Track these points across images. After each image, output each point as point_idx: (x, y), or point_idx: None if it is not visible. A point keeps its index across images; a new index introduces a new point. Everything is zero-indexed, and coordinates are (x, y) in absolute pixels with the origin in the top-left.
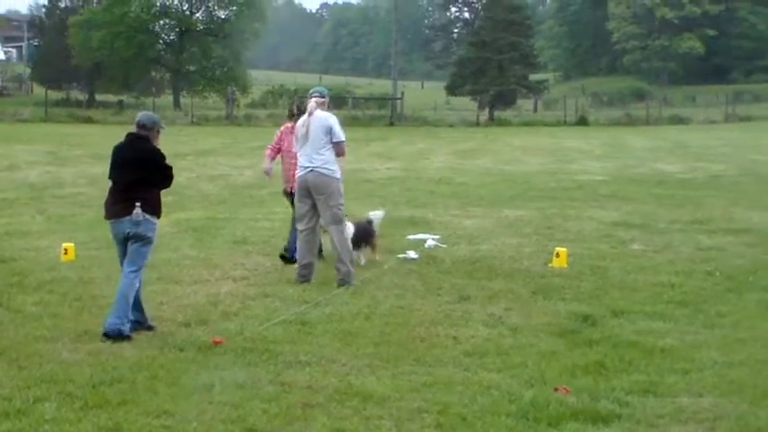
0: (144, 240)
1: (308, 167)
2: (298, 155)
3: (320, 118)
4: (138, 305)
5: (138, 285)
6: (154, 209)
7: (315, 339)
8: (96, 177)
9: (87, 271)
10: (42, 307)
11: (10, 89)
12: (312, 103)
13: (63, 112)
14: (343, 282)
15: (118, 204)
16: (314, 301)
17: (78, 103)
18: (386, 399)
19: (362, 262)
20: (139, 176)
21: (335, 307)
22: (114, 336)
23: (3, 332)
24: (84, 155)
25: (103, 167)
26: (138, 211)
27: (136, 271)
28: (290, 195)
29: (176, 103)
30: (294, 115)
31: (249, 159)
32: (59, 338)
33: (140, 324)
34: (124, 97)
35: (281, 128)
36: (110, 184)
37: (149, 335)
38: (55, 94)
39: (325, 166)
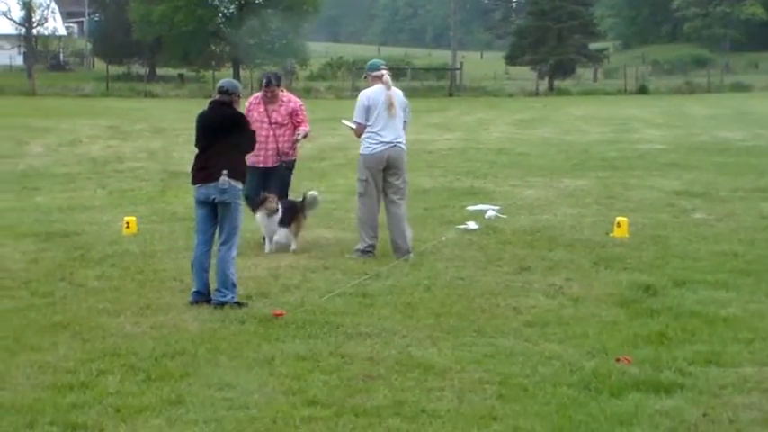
0: (231, 206)
1: (392, 143)
2: (373, 128)
3: (399, 93)
4: (205, 277)
5: (232, 256)
6: (239, 175)
7: (375, 311)
8: (156, 151)
9: (149, 245)
10: (105, 281)
11: (72, 64)
12: (387, 76)
13: (124, 86)
14: (406, 254)
15: (205, 170)
16: (374, 272)
17: (139, 78)
18: (447, 370)
19: (294, 247)
20: (226, 142)
21: (396, 279)
22: (222, 305)
23: (66, 306)
24: (144, 129)
25: (163, 141)
26: (224, 178)
27: (230, 247)
28: (256, 172)
29: (236, 77)
30: (268, 86)
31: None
32: (122, 312)
33: (202, 295)
34: (184, 71)
35: (251, 99)
36: (195, 151)
37: (210, 307)
38: (116, 69)
39: (404, 142)
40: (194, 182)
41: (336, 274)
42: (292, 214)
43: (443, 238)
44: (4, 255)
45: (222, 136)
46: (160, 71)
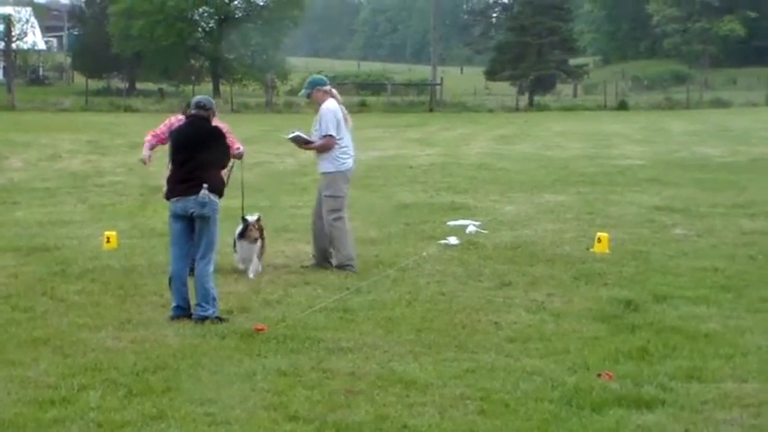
0: (210, 220)
1: (353, 156)
2: (343, 143)
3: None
4: (184, 292)
5: (210, 270)
6: (217, 189)
7: (356, 326)
8: (136, 166)
9: (129, 259)
10: (85, 296)
11: (51, 78)
12: (335, 90)
13: (104, 101)
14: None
15: (183, 183)
16: (355, 287)
17: (119, 92)
18: (429, 385)
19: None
20: (205, 156)
21: (377, 294)
22: (198, 318)
23: (47, 321)
24: (124, 144)
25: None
26: (204, 192)
27: (208, 261)
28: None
29: (216, 91)
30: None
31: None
32: (103, 327)
33: (182, 310)
34: (164, 86)
35: (172, 118)
36: (170, 165)
37: (191, 322)
38: (95, 83)
39: None
40: (171, 196)
41: (317, 289)
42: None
43: (424, 254)
44: None
45: (201, 150)
46: (140, 86)
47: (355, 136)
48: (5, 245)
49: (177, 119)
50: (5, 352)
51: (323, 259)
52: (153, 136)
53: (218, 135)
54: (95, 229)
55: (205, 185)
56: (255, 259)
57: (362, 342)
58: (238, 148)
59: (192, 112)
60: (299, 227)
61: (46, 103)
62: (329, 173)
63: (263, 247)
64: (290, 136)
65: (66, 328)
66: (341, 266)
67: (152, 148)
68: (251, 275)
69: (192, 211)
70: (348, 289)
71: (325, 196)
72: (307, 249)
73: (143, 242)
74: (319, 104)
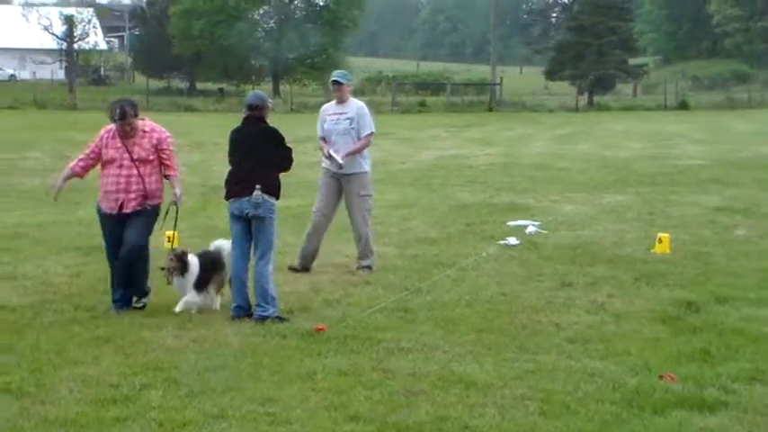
0: (265, 221)
1: None
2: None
3: None
4: (244, 291)
5: (269, 271)
6: (273, 190)
7: (416, 326)
8: (196, 165)
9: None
10: None
11: (112, 78)
12: None
13: (164, 100)
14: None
15: (238, 184)
16: (415, 288)
17: (179, 92)
18: (489, 386)
19: (217, 306)
20: (260, 158)
21: (436, 294)
22: (259, 318)
23: (108, 320)
24: (185, 143)
25: (203, 156)
26: (257, 192)
27: (267, 262)
28: (113, 220)
29: (276, 91)
30: (123, 118)
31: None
32: (164, 326)
33: (243, 310)
34: (224, 85)
35: (103, 132)
36: (229, 167)
37: (252, 322)
38: (156, 83)
39: None
40: (228, 196)
41: (377, 289)
42: (212, 271)
43: (484, 254)
44: (47, 269)
45: (256, 151)
46: (200, 85)
47: (415, 136)
48: (68, 244)
49: (107, 130)
50: (68, 350)
51: (310, 261)
52: (78, 161)
53: (274, 135)
54: (156, 228)
55: (258, 186)
56: (191, 293)
57: (422, 342)
58: (179, 190)
59: (245, 113)
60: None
61: (107, 102)
62: (365, 172)
63: (221, 283)
64: (341, 161)
65: (127, 327)
66: (369, 267)
67: (69, 177)
68: (176, 308)
69: (246, 211)
70: (408, 289)
71: (360, 195)
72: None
73: (204, 241)
74: (344, 99)
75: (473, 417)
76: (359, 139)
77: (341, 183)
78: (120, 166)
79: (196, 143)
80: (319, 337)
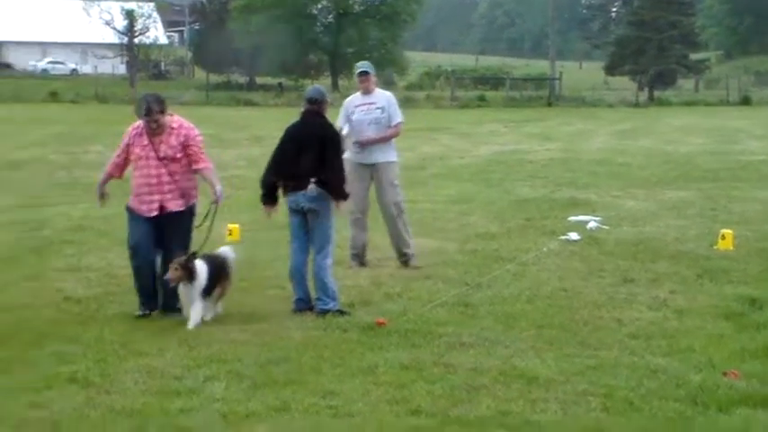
0: (320, 214)
1: None
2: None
3: None
4: (305, 285)
5: (328, 264)
6: (328, 185)
7: (477, 321)
8: (256, 159)
9: (251, 252)
10: None
11: (172, 73)
12: None
13: (224, 95)
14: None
15: (295, 180)
16: (475, 283)
17: (239, 86)
18: (551, 381)
19: (208, 316)
20: (317, 152)
21: (497, 289)
22: (320, 311)
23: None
24: (244, 137)
25: (263, 149)
26: (311, 187)
27: (325, 255)
28: (147, 223)
29: (334, 86)
30: (149, 114)
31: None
32: (227, 319)
33: (304, 303)
34: (283, 80)
35: (131, 130)
36: (276, 161)
37: (313, 315)
38: (216, 78)
39: None
40: (285, 191)
41: (438, 283)
42: (218, 276)
43: (545, 249)
44: (110, 261)
45: (314, 146)
46: (260, 80)
47: (474, 131)
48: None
49: (134, 127)
50: (133, 342)
51: (363, 256)
52: (111, 163)
53: (330, 130)
54: (217, 222)
55: (313, 180)
56: (198, 302)
57: (483, 337)
58: (219, 188)
59: (304, 107)
60: (416, 221)
61: (167, 96)
62: (395, 162)
63: (223, 290)
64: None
65: None
66: (411, 255)
67: (107, 181)
68: (190, 325)
69: (303, 205)
70: (468, 284)
71: (393, 185)
72: (426, 244)
73: (264, 235)
74: (371, 90)
75: (535, 412)
76: (389, 126)
77: (371, 173)
78: (148, 166)
79: (255, 137)
80: (380, 330)
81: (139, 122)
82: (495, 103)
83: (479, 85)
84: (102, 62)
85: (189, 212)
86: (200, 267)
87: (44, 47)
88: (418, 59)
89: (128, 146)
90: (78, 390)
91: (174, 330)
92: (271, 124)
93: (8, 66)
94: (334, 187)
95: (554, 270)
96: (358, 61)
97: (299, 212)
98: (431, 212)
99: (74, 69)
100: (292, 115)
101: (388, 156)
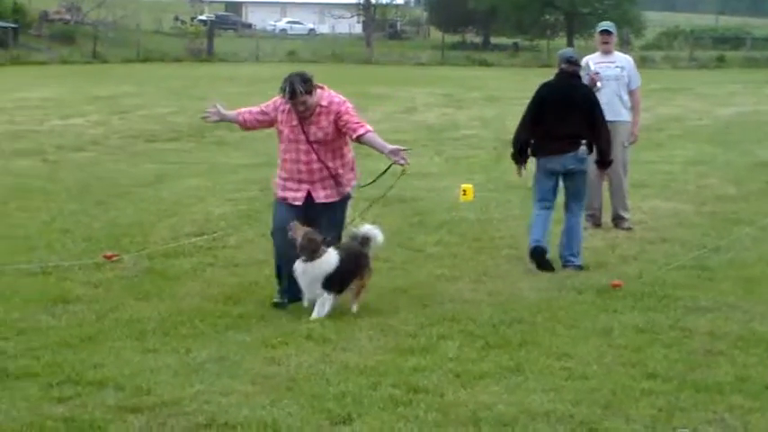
0: (581, 175)
1: None
2: None
3: None
4: (544, 233)
5: (582, 221)
6: (599, 148)
7: (715, 285)
8: (490, 120)
9: (485, 212)
10: (443, 247)
11: (408, 33)
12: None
13: (459, 55)
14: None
15: (560, 141)
16: (713, 246)
17: (474, 46)
18: None
19: (353, 309)
20: (582, 113)
21: (736, 252)
22: (573, 267)
23: (406, 270)
24: (479, 97)
25: (497, 110)
26: (583, 148)
27: (580, 209)
28: (293, 211)
29: (570, 46)
30: (293, 97)
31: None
32: (460, 278)
33: (543, 250)
34: (518, 40)
35: (279, 105)
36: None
37: (547, 276)
38: (451, 38)
39: None
40: (544, 153)
41: (675, 246)
42: (353, 270)
43: None
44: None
45: (578, 107)
46: (494, 40)
47: (712, 91)
48: (369, 195)
49: (284, 100)
50: (367, 300)
51: (599, 218)
52: (249, 110)
53: (588, 91)
54: (451, 182)
55: (584, 141)
56: (326, 296)
57: (722, 302)
58: (395, 148)
59: (562, 66)
60: (655, 182)
61: (403, 56)
62: (628, 122)
63: (362, 283)
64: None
65: (424, 279)
66: (628, 220)
67: (232, 120)
68: (313, 315)
69: (570, 167)
70: (706, 247)
71: (624, 145)
72: (662, 206)
73: (498, 195)
74: (610, 50)
75: None
76: (628, 89)
77: None
78: (298, 150)
79: (490, 97)
80: (615, 293)
81: (280, 100)
82: (735, 64)
83: (718, 45)
84: (338, 22)
85: (341, 204)
86: (330, 255)
87: (283, 7)
88: (656, 19)
89: (270, 111)
90: (314, 346)
91: (408, 289)
92: (505, 84)
93: (249, 26)
94: (604, 150)
95: None
96: (594, 21)
97: (554, 175)
98: (667, 174)
99: (311, 29)
100: (527, 76)
101: (622, 114)
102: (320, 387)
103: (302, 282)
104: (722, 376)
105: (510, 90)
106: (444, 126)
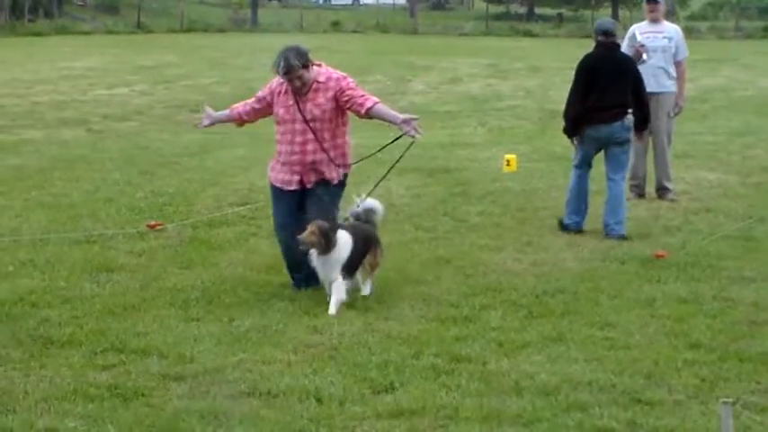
0: (627, 144)
1: None
2: None
3: None
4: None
5: (624, 189)
6: (642, 116)
7: (760, 256)
8: (533, 90)
9: (528, 182)
10: (486, 217)
11: (452, 3)
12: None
13: (503, 25)
14: None
15: (609, 110)
16: (758, 216)
17: (518, 17)
18: None
19: (367, 290)
20: (626, 83)
21: None
22: (616, 236)
23: (449, 240)
24: (523, 68)
25: (541, 80)
26: (629, 117)
27: (623, 177)
28: (288, 196)
29: (614, 17)
30: (288, 73)
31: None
32: (503, 248)
33: (578, 225)
34: (563, 10)
35: (274, 85)
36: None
37: (590, 246)
38: (495, 8)
39: None
40: (592, 122)
41: (719, 216)
42: (364, 250)
43: None
44: (389, 189)
45: (623, 77)
46: (539, 10)
47: (758, 62)
48: (408, 165)
49: (279, 82)
50: (409, 270)
51: (643, 188)
52: (244, 103)
53: (629, 60)
54: (495, 152)
55: (629, 110)
56: (341, 282)
57: (766, 272)
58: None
59: (599, 39)
60: (699, 153)
61: (447, 27)
62: (673, 92)
63: (374, 262)
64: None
65: (467, 249)
66: (672, 190)
67: (227, 119)
68: (332, 310)
69: (617, 136)
70: (751, 218)
71: (669, 117)
72: (707, 176)
73: (542, 165)
74: (658, 19)
75: None
76: (674, 59)
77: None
78: (293, 130)
79: (533, 68)
80: (659, 263)
81: (278, 80)
82: None
83: (765, 15)
84: None
85: (337, 187)
86: (344, 239)
87: None
88: None
89: (266, 97)
90: (357, 315)
91: (450, 259)
92: (549, 55)
93: None
94: (645, 118)
95: None
96: None
97: (599, 144)
98: (712, 145)
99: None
100: (571, 47)
101: (667, 86)
102: (362, 356)
103: (320, 271)
104: (766, 347)
105: (553, 61)
106: (488, 96)
